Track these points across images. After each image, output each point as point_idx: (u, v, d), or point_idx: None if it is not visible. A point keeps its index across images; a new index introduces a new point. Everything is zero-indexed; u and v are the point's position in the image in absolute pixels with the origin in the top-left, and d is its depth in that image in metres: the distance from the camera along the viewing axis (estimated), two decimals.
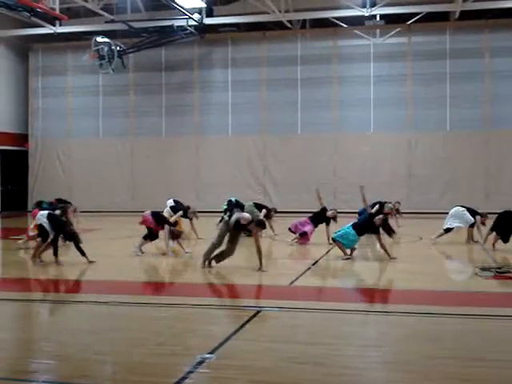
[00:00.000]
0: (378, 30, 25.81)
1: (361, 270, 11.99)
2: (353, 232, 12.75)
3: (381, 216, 13.01)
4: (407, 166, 24.80)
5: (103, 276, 11.34)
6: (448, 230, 15.24)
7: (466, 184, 23.91)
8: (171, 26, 25.30)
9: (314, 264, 12.36)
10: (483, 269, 11.28)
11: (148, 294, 9.96)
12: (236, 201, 18.00)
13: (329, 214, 15.09)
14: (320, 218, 15.33)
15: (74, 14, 26.35)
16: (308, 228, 15.27)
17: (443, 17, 25.39)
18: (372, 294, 9.80)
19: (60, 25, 25.99)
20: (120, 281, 10.89)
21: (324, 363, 5.87)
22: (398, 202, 19.30)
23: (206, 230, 16.19)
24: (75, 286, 10.83)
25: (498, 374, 5.61)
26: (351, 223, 13.07)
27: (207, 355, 6.01)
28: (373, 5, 23.46)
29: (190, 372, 5.57)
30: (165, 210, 16.47)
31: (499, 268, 11.44)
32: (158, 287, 10.66)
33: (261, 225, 11.73)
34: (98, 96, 28.19)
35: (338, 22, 25.77)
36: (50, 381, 5.63)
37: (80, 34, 27.13)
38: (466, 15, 23.93)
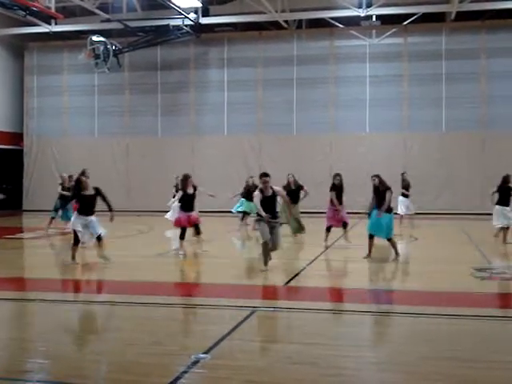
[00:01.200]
0: (374, 31, 25.84)
1: (356, 271, 11.96)
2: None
3: None
4: (403, 166, 24.72)
5: (99, 276, 11.30)
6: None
7: (461, 185, 23.97)
8: (167, 26, 25.30)
9: (308, 264, 12.34)
10: (479, 269, 11.28)
11: (143, 294, 9.91)
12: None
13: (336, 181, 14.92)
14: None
15: (69, 12, 26.31)
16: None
17: (439, 17, 25.41)
18: (368, 295, 9.78)
19: (55, 24, 25.96)
20: (116, 280, 10.85)
21: (319, 363, 5.85)
22: (405, 173, 19.77)
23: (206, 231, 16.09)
24: (71, 286, 10.78)
25: (495, 375, 5.58)
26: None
27: (202, 355, 5.98)
28: (369, 5, 23.48)
29: (185, 372, 5.53)
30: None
31: (494, 269, 11.45)
32: (153, 287, 10.60)
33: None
34: (94, 95, 28.13)
35: (334, 22, 25.77)
36: (45, 380, 5.59)
37: (75, 33, 27.10)
38: (462, 16, 23.95)
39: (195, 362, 5.79)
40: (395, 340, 6.81)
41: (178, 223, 13.66)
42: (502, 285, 10.31)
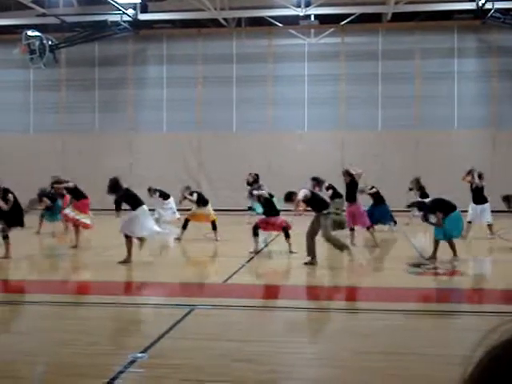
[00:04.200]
0: (312, 30, 26.09)
1: (293, 267, 12.08)
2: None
3: None
4: (340, 164, 25.07)
5: (34, 275, 11.09)
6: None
7: (395, 182, 24.40)
8: (105, 21, 24.95)
9: (247, 262, 12.39)
10: (413, 265, 11.57)
11: (80, 294, 9.80)
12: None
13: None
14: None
15: (3, 6, 25.65)
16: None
17: (376, 18, 25.87)
18: (305, 291, 9.90)
19: None
20: (51, 280, 10.67)
21: (257, 360, 5.87)
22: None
23: None
24: (4, 286, 10.54)
25: (426, 368, 5.72)
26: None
27: (139, 354, 5.94)
28: (307, 5, 23.72)
29: (121, 372, 5.48)
30: None
31: (428, 265, 11.76)
32: (90, 286, 10.49)
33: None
34: (29, 91, 27.52)
35: (273, 21, 25.91)
36: None
37: (10, 28, 26.40)
38: (397, 17, 24.46)
39: (132, 362, 5.74)
40: (331, 336, 6.93)
41: None
42: (435, 280, 10.60)
